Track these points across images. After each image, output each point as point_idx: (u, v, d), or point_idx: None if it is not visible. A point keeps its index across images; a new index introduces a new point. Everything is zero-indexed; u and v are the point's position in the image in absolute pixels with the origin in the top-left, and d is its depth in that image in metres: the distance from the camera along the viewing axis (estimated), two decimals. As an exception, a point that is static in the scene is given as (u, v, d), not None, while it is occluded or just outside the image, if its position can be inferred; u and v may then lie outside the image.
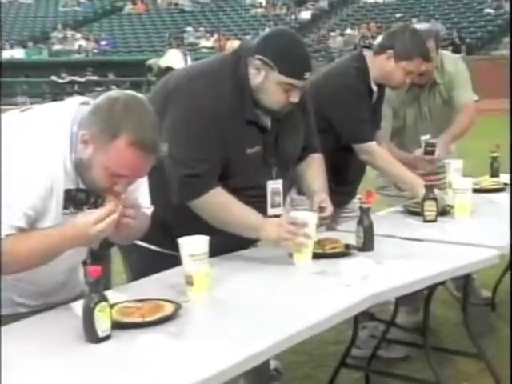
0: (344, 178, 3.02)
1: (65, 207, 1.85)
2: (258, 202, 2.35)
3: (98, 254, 1.93)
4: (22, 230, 1.78)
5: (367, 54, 3.01)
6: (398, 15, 23.08)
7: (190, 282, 2.00)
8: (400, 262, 2.33)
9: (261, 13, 26.45)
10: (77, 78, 21.15)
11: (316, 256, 2.31)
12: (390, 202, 3.42)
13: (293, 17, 25.43)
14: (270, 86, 2.26)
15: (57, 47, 25.98)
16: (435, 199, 2.82)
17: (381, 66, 2.95)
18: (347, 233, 2.54)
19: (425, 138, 3.40)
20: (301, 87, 2.30)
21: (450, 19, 22.02)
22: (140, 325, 1.79)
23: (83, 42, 25.79)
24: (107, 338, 1.71)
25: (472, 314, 3.11)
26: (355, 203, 2.97)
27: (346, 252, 2.38)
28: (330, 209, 2.43)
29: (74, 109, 1.84)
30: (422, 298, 2.80)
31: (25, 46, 25.73)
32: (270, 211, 2.39)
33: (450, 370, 3.07)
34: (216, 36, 23.57)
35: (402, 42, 2.90)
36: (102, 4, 30.06)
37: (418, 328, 2.96)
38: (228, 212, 2.27)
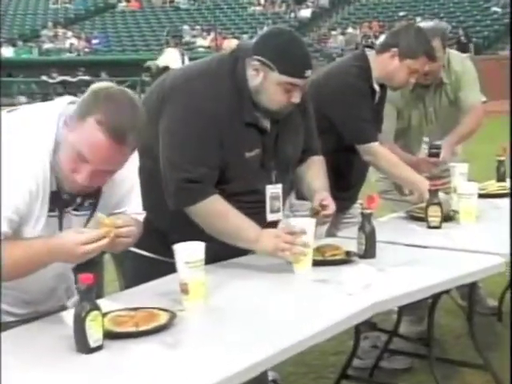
0: (346, 181, 2.97)
1: (50, 209, 1.82)
2: (256, 207, 2.32)
3: (90, 261, 1.88)
4: (5, 234, 1.75)
5: (369, 53, 2.98)
6: (401, 13, 23.10)
7: (185, 290, 1.96)
8: (403, 269, 2.29)
9: (259, 11, 26.43)
10: (68, 78, 20.90)
11: (316, 263, 2.27)
12: (392, 207, 3.38)
13: (292, 15, 25.40)
14: (269, 86, 2.22)
15: (47, 46, 25.87)
16: (439, 204, 2.77)
17: (384, 64, 2.91)
18: (348, 239, 2.50)
19: (426, 139, 3.36)
20: (302, 86, 2.25)
21: (455, 18, 21.91)
22: (133, 334, 1.75)
23: (75, 41, 25.71)
24: (99, 348, 1.68)
25: (478, 323, 3.06)
26: (356, 208, 2.93)
27: (347, 259, 2.34)
28: (332, 207, 2.38)
29: (61, 108, 1.82)
30: (425, 307, 2.76)
31: (14, 45, 25.63)
32: (269, 216, 2.35)
33: (455, 382, 3.03)
34: (213, 35, 23.39)
35: (407, 40, 2.87)
36: (95, 1, 30.03)
37: (422, 338, 2.92)
38: (224, 221, 2.23)
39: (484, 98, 3.53)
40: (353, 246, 2.40)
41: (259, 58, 2.21)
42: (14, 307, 1.93)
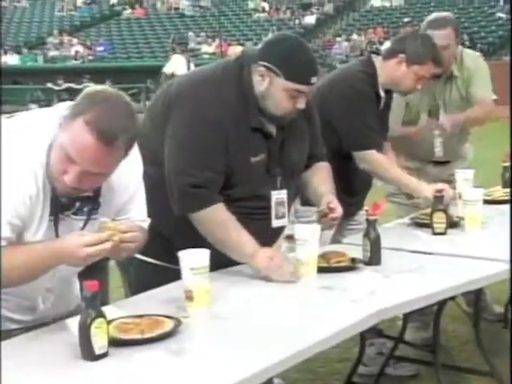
0: (351, 187, 2.97)
1: (51, 213, 1.80)
2: (261, 213, 2.31)
3: (95, 268, 1.88)
4: (7, 239, 1.74)
5: (376, 59, 2.98)
6: (405, 20, 23.03)
7: (189, 296, 1.95)
8: (408, 276, 2.28)
9: (264, 17, 26.38)
10: (73, 85, 20.82)
11: (321, 270, 2.26)
12: (398, 213, 3.36)
13: (297, 21, 25.34)
14: (275, 92, 2.22)
15: (52, 53, 25.92)
16: (444, 211, 2.76)
17: (391, 70, 2.91)
18: (353, 246, 2.49)
19: (436, 132, 3.36)
20: (307, 93, 2.25)
21: (460, 23, 21.83)
22: (138, 341, 1.75)
23: (80, 48, 25.74)
24: (104, 355, 1.67)
25: (484, 330, 3.05)
26: (362, 215, 2.92)
27: (352, 266, 2.33)
28: (339, 210, 2.38)
29: (60, 113, 1.79)
30: (431, 313, 2.74)
31: (19, 52, 25.69)
32: (275, 222, 2.35)
33: (461, 389, 3.01)
34: (217, 41, 23.38)
35: (414, 47, 2.88)
36: (100, 9, 30.11)
37: (428, 345, 2.90)
38: (225, 231, 2.22)
39: (495, 96, 3.51)
40: (358, 253, 2.39)
41: (265, 63, 2.21)
42: (18, 314, 1.92)
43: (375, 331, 2.82)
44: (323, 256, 2.32)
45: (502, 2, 22.36)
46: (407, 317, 2.89)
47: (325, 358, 3.20)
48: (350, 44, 22.68)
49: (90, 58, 25.38)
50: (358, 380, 2.96)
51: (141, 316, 1.85)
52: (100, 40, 26.89)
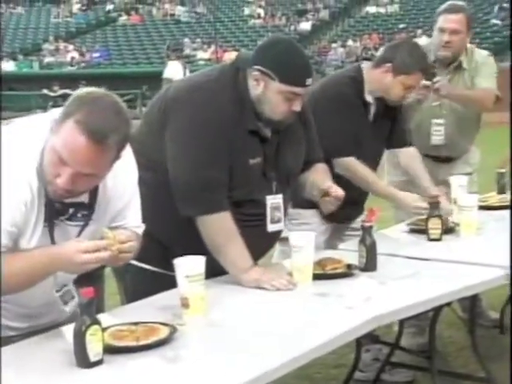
0: (348, 195, 2.92)
1: (45, 219, 1.80)
2: (256, 219, 2.31)
3: (91, 275, 1.87)
4: (5, 246, 1.74)
5: (366, 65, 2.98)
6: (400, 26, 23.10)
7: (185, 304, 1.95)
8: (404, 282, 2.28)
9: (259, 24, 26.40)
10: (69, 91, 20.83)
11: (316, 277, 2.26)
12: (396, 217, 3.33)
13: (292, 27, 25.37)
14: (271, 96, 2.22)
15: (48, 59, 25.92)
16: (440, 217, 2.76)
17: (378, 79, 2.91)
18: (349, 251, 2.49)
19: (438, 121, 3.41)
20: (303, 95, 2.26)
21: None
22: (134, 349, 1.74)
23: (75, 54, 25.74)
24: (99, 362, 1.67)
25: (480, 336, 3.05)
26: (359, 222, 2.90)
27: (348, 272, 2.33)
28: (340, 191, 2.36)
29: (52, 118, 1.79)
30: (427, 319, 2.74)
31: (15, 59, 25.66)
32: (270, 227, 2.34)
33: (458, 395, 3.00)
34: (213, 47, 23.41)
35: (402, 56, 2.87)
36: (96, 15, 30.11)
37: (424, 350, 2.90)
38: (226, 241, 2.22)
39: (498, 93, 3.52)
40: (354, 259, 2.39)
41: (259, 67, 2.21)
42: (15, 321, 1.91)
43: (371, 337, 2.81)
44: (319, 263, 2.32)
45: (496, 9, 22.42)
46: (403, 322, 2.89)
47: (321, 364, 3.19)
48: (345, 50, 22.72)
49: (87, 64, 25.37)
50: (354, 386, 2.95)
51: (136, 323, 1.85)
52: (96, 46, 26.90)
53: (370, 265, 2.37)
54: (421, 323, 3.14)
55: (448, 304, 2.45)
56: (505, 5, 22.28)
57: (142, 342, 1.75)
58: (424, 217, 2.82)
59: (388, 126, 3.07)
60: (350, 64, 3.01)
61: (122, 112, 1.75)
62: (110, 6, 30.50)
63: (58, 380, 1.62)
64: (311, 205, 2.89)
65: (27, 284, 1.78)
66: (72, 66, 25.27)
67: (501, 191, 3.48)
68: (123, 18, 29.05)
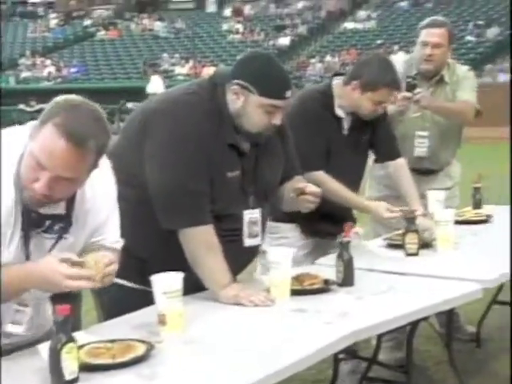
0: (331, 214, 2.91)
1: (22, 228, 1.78)
2: (233, 235, 2.30)
3: (68, 292, 1.85)
4: None
5: (337, 81, 2.99)
6: (378, 42, 23.30)
7: (162, 320, 1.94)
8: (381, 297, 2.29)
9: (238, 39, 26.42)
10: (46, 106, 20.80)
11: (294, 292, 2.26)
12: (378, 231, 3.34)
13: (271, 43, 25.39)
14: (251, 109, 2.23)
15: (25, 74, 25.67)
16: (417, 231, 2.78)
17: (348, 95, 2.93)
18: (326, 267, 2.49)
19: (421, 133, 3.47)
20: (282, 108, 2.27)
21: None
22: (110, 366, 1.73)
23: (52, 69, 25.52)
24: (75, 380, 1.65)
25: (457, 350, 3.05)
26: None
27: (325, 288, 2.33)
28: (318, 190, 2.36)
29: (30, 127, 1.78)
30: (405, 332, 2.73)
31: (-9, 74, 25.47)
32: (247, 241, 2.34)
33: (435, 409, 3.01)
34: (191, 63, 23.43)
35: (369, 73, 2.88)
36: (74, 30, 29.93)
37: (402, 365, 2.89)
38: (207, 256, 2.22)
39: (478, 107, 3.58)
40: (331, 273, 2.39)
41: (239, 81, 2.22)
42: None
43: (349, 352, 2.81)
44: (296, 278, 2.32)
45: (471, 26, 22.72)
46: (381, 337, 2.89)
47: (299, 380, 3.17)
48: (323, 65, 22.85)
49: (62, 79, 25.23)
50: (332, 401, 2.94)
51: (113, 341, 1.83)
52: (73, 61, 26.76)
53: (347, 280, 2.37)
54: (399, 336, 3.14)
55: (425, 318, 2.45)
56: (479, 22, 22.62)
57: (119, 360, 1.73)
58: (401, 231, 2.84)
59: (367, 140, 3.07)
60: (328, 79, 3.07)
61: (101, 119, 1.75)
62: (87, 21, 30.40)
63: (32, 399, 1.60)
64: (290, 219, 2.90)
65: (6, 298, 1.76)
66: (49, 81, 25.09)
67: (476, 206, 3.51)
68: (101, 33, 28.96)
